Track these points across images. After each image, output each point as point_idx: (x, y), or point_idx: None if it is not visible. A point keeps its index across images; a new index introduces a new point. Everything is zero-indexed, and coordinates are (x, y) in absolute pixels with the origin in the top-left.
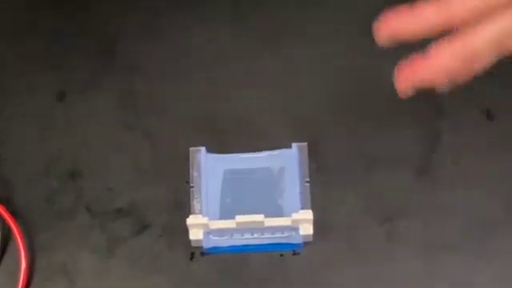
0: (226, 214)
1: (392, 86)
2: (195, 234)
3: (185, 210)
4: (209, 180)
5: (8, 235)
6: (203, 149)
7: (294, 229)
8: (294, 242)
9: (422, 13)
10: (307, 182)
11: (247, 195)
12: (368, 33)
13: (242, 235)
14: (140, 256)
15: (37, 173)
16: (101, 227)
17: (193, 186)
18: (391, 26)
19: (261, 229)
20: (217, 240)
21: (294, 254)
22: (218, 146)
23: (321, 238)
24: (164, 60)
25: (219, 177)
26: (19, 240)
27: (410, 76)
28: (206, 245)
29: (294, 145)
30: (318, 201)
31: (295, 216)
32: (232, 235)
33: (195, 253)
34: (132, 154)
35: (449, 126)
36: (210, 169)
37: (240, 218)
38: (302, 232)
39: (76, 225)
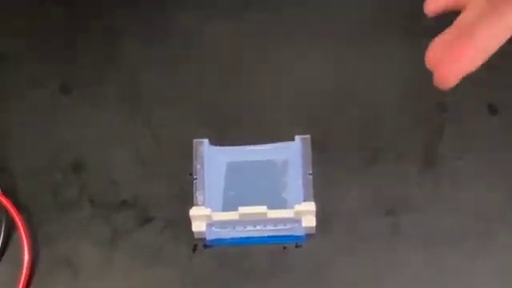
0: (229, 206)
1: (395, 79)
2: (198, 226)
3: (188, 202)
4: (212, 172)
5: (12, 227)
6: (206, 141)
7: (296, 221)
8: (296, 233)
9: None
10: (310, 174)
11: (250, 188)
12: (375, 28)
13: (245, 227)
14: (143, 248)
15: (41, 165)
16: (104, 219)
17: (196, 178)
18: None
19: (263, 221)
20: (219, 232)
21: (297, 246)
22: (221, 139)
23: (323, 230)
24: (167, 53)
25: (222, 169)
26: (23, 232)
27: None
28: (209, 237)
29: (297, 137)
30: (320, 193)
31: (298, 208)
32: (235, 227)
33: (198, 245)
34: (135, 147)
35: (452, 120)
36: (213, 161)
37: (243, 210)
38: (304, 224)
39: (79, 217)
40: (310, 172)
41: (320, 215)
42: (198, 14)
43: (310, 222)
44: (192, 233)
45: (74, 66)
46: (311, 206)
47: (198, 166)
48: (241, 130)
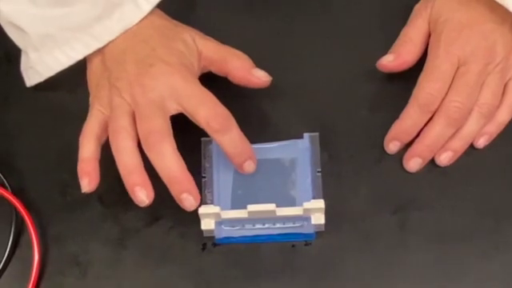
0: (238, 204)
1: (405, 77)
2: (207, 224)
3: None
4: (220, 171)
5: (22, 227)
6: None
7: (305, 218)
8: (305, 231)
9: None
10: (319, 172)
11: (259, 186)
12: (382, 26)
13: (254, 225)
14: (152, 247)
15: (50, 165)
16: (113, 219)
17: (205, 177)
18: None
19: (272, 219)
20: (228, 230)
21: (306, 244)
22: None
23: (333, 228)
24: None
25: (231, 168)
26: (32, 232)
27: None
28: (218, 235)
29: (306, 135)
30: (329, 191)
31: (307, 205)
32: (244, 225)
33: (207, 244)
34: None
35: None
36: (222, 160)
37: (252, 208)
38: (313, 221)
39: (88, 216)
40: (319, 170)
41: (329, 213)
42: (206, 11)
43: (319, 219)
44: (201, 232)
45: (81, 66)
46: (320, 204)
47: (207, 165)
48: (249, 128)
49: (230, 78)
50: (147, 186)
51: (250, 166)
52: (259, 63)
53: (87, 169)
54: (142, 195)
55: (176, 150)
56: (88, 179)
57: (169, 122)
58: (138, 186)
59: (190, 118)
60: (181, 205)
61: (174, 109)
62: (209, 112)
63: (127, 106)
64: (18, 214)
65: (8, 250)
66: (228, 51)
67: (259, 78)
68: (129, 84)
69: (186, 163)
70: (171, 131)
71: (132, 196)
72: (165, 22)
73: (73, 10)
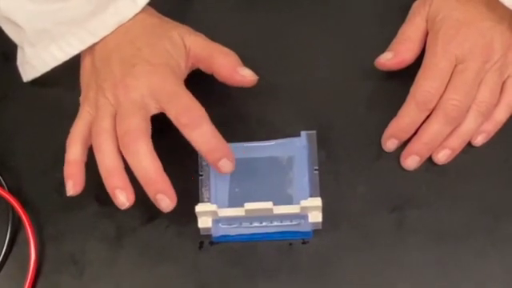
0: (235, 203)
1: (403, 75)
2: (204, 222)
3: (193, 200)
4: None
5: (18, 225)
6: None
7: (302, 216)
8: (303, 229)
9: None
10: (316, 170)
11: (256, 184)
12: (380, 24)
13: (251, 223)
14: (149, 246)
15: (46, 164)
16: (109, 217)
17: (202, 175)
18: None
19: (270, 217)
20: (226, 228)
21: (303, 242)
22: (227, 135)
23: (330, 226)
24: None
25: None
26: (29, 230)
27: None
28: (215, 233)
29: (303, 133)
30: (327, 189)
31: (304, 203)
32: (241, 223)
33: (204, 242)
34: None
35: None
36: None
37: (249, 206)
38: (311, 219)
39: (85, 215)
40: (316, 168)
41: (326, 211)
42: (203, 7)
43: (316, 217)
44: (198, 230)
45: (79, 64)
46: (317, 202)
47: (204, 163)
48: (247, 126)
49: (216, 75)
50: (127, 189)
51: (225, 165)
52: (256, 60)
53: (72, 171)
54: (123, 198)
55: (152, 150)
56: (72, 182)
57: (148, 121)
58: (118, 188)
59: (168, 116)
60: (157, 205)
61: (154, 107)
62: (178, 107)
63: (110, 107)
64: (14, 212)
65: (5, 248)
66: (215, 48)
67: (244, 76)
68: (114, 85)
69: (183, 161)
70: (149, 131)
71: (113, 198)
72: (155, 21)
73: (68, 5)
